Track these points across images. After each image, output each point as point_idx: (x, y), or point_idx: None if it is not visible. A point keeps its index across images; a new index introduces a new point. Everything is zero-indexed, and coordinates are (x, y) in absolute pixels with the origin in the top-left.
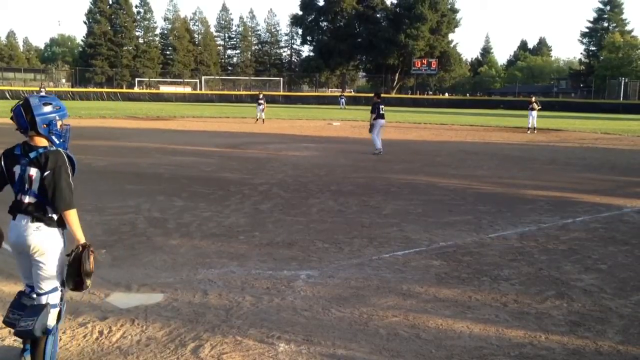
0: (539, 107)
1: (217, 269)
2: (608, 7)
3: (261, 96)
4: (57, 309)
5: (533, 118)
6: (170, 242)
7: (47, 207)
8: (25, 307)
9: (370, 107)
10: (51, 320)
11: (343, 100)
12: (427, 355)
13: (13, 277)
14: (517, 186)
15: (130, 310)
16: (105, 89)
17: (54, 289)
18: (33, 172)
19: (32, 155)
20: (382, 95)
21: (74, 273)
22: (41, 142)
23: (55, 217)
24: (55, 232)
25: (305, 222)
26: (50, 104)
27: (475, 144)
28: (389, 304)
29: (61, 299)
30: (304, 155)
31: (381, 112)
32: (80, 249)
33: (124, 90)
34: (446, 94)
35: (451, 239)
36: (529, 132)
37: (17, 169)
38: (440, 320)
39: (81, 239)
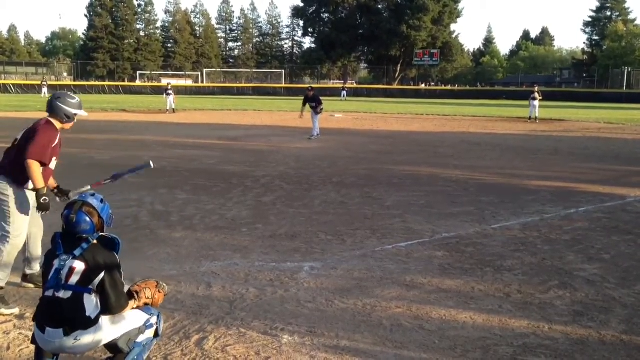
0: (541, 97)
1: (220, 262)
2: None
3: (169, 87)
4: (153, 329)
5: (535, 108)
6: (174, 235)
7: (85, 305)
8: None
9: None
10: (141, 338)
11: (344, 92)
12: (430, 346)
13: (14, 270)
14: (520, 177)
15: None
16: (107, 83)
17: (148, 325)
18: (77, 264)
19: (76, 253)
20: (384, 86)
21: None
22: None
23: (93, 316)
24: (97, 328)
25: (307, 214)
26: (99, 197)
27: (477, 134)
28: (392, 295)
29: (158, 317)
30: (306, 147)
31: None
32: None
33: (126, 83)
34: (449, 86)
35: (454, 230)
36: (529, 121)
37: (55, 263)
38: (443, 311)
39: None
